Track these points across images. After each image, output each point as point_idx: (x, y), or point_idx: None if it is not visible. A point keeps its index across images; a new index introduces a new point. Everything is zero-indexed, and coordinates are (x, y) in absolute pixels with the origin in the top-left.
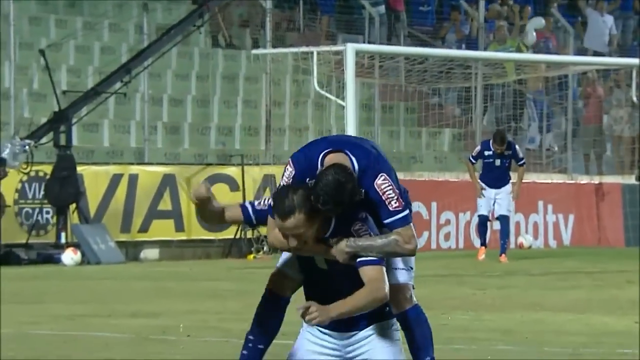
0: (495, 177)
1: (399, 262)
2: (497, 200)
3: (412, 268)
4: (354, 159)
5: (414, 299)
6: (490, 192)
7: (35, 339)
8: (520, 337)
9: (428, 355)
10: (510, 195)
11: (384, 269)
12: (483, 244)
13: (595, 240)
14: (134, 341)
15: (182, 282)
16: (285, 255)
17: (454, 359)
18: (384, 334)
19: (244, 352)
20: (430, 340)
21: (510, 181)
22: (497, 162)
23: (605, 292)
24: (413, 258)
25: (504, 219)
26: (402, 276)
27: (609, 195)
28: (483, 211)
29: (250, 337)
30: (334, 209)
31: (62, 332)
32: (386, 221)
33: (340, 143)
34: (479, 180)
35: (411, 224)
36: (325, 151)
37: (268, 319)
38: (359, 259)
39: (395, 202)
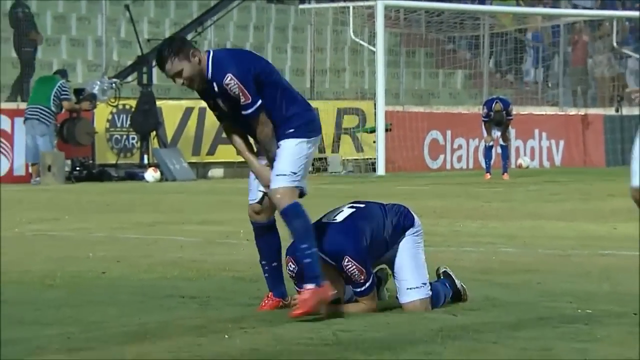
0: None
1: (276, 169)
2: (498, 133)
3: (294, 172)
4: (211, 54)
5: (293, 199)
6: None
7: (123, 241)
8: (520, 241)
9: (306, 243)
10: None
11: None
12: (488, 171)
13: (582, 162)
14: (203, 244)
15: (242, 196)
16: (251, 193)
17: (464, 259)
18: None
19: (266, 275)
20: (309, 232)
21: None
22: (497, 116)
23: (590, 204)
24: (295, 165)
25: (504, 147)
26: (279, 182)
27: (592, 124)
28: (490, 142)
29: (263, 262)
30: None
31: (145, 236)
32: (245, 114)
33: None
34: (490, 135)
35: (261, 113)
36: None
37: (264, 244)
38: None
39: (242, 98)
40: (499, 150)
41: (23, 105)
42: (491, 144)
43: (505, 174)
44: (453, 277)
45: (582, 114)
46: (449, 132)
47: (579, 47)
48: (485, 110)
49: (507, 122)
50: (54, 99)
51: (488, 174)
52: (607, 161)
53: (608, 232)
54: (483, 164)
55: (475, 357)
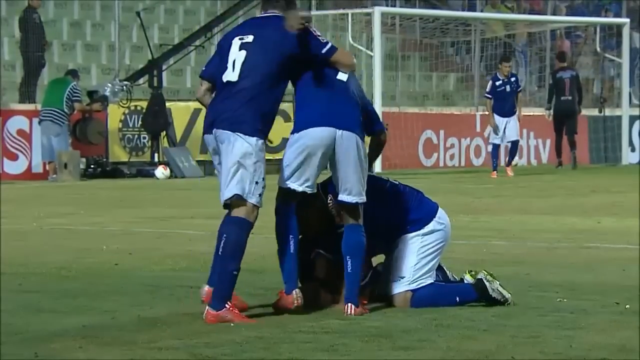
0: (505, 105)
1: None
2: (507, 128)
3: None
4: None
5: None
6: (501, 121)
7: (135, 234)
8: (509, 234)
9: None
10: (517, 121)
11: None
12: (495, 169)
13: (567, 160)
14: (211, 237)
15: None
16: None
17: (457, 252)
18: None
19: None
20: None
21: (516, 112)
22: (507, 88)
23: (575, 199)
24: None
25: (514, 143)
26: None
27: (578, 124)
28: (497, 141)
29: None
30: None
31: (156, 230)
32: None
33: None
34: (493, 115)
35: None
36: None
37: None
38: None
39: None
40: (496, 144)
41: (39, 107)
42: (498, 142)
43: (509, 168)
44: (487, 286)
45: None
46: (442, 132)
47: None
48: (490, 83)
49: (519, 96)
50: (66, 101)
51: (495, 171)
52: (591, 159)
53: (592, 226)
54: (475, 163)
55: (467, 344)
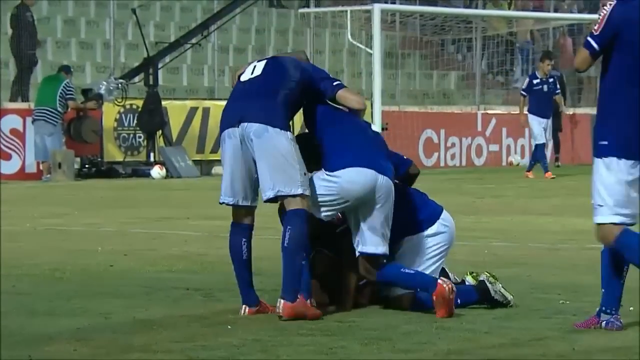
0: (544, 105)
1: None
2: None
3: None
4: None
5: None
6: (542, 122)
7: (130, 235)
8: (511, 235)
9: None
10: (550, 128)
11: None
12: (546, 170)
13: (570, 159)
14: (207, 238)
15: None
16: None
17: (458, 253)
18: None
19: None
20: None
21: (551, 116)
22: (545, 87)
23: (577, 200)
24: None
25: (541, 146)
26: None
27: (580, 123)
28: (542, 140)
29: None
30: None
31: (151, 230)
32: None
33: None
34: (525, 112)
35: None
36: None
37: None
38: None
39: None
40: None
41: (33, 105)
42: (543, 140)
43: (531, 172)
44: (489, 288)
45: (571, 113)
46: (442, 131)
47: (565, 50)
48: (527, 80)
49: (558, 98)
50: (59, 100)
51: (549, 172)
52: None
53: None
54: (477, 163)
55: (468, 346)
